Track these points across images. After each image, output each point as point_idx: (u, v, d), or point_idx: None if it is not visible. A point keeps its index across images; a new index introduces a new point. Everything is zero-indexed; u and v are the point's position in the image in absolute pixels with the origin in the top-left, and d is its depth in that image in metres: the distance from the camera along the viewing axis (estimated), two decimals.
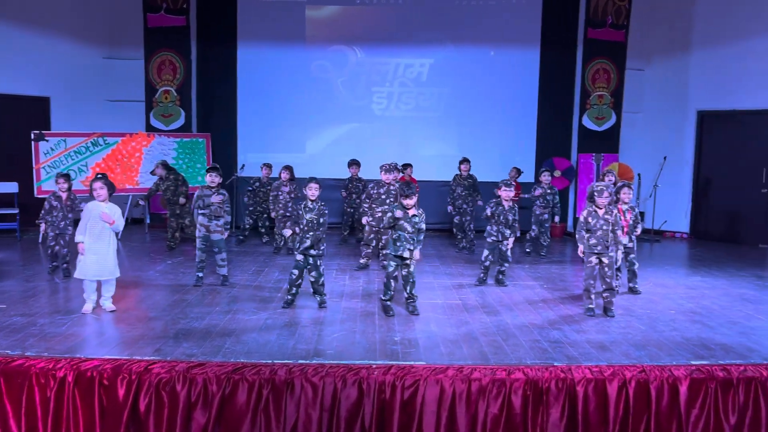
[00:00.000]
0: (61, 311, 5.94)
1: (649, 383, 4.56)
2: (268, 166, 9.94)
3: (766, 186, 10.74)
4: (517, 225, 7.46)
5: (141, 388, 4.42)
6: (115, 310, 6.00)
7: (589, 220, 6.21)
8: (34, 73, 11.01)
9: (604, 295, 6.24)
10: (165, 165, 9.64)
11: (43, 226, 7.20)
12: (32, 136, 9.93)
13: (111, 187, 6.07)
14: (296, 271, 6.25)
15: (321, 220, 6.25)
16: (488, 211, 7.37)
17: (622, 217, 6.60)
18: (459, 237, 9.84)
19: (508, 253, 7.47)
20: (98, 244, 5.92)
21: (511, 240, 7.43)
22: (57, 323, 5.56)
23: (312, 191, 6.31)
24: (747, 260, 9.48)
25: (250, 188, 10.03)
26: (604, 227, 6.16)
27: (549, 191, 9.54)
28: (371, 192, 8.26)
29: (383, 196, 8.12)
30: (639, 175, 11.36)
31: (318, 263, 6.32)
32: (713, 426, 4.59)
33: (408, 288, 6.21)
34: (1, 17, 10.62)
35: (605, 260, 6.19)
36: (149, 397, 4.41)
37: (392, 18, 11.86)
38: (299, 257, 6.24)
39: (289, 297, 6.30)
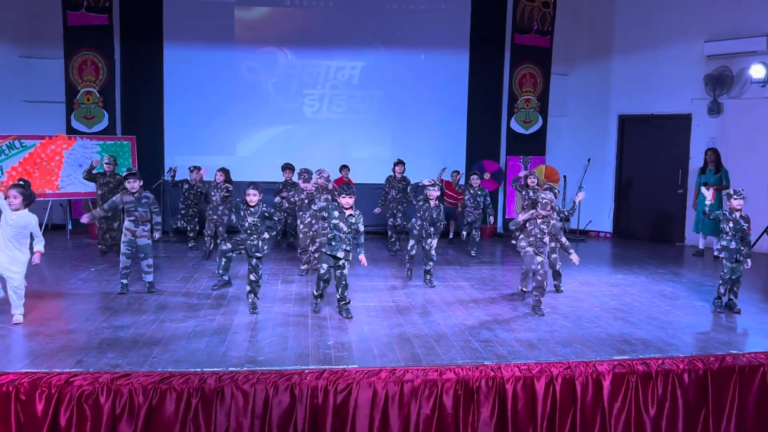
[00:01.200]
0: None
1: (574, 379, 4.71)
2: (198, 168, 9.72)
3: (682, 187, 11.28)
4: (441, 224, 7.72)
5: (61, 402, 4.23)
6: (20, 323, 5.66)
7: (527, 225, 6.50)
8: None
9: (534, 293, 6.42)
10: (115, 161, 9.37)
11: None
12: None
13: (29, 197, 5.77)
14: (229, 245, 6.41)
15: (270, 223, 6.46)
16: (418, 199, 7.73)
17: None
18: (393, 239, 9.91)
19: (432, 252, 7.61)
20: (6, 248, 5.64)
21: (435, 239, 7.67)
22: None
23: (251, 197, 6.27)
24: (665, 258, 9.94)
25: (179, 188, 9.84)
26: (538, 235, 6.45)
27: (480, 193, 9.76)
28: (293, 199, 8.29)
29: (306, 201, 8.13)
30: (565, 176, 11.74)
31: (259, 266, 6.31)
32: (634, 418, 4.79)
33: (340, 290, 6.21)
34: None
35: (537, 259, 6.39)
36: (70, 411, 4.23)
37: (323, 20, 11.82)
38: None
39: (219, 271, 6.75)
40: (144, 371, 4.50)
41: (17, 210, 5.67)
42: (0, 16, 10.95)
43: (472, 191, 9.79)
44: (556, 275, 7.36)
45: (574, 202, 7.41)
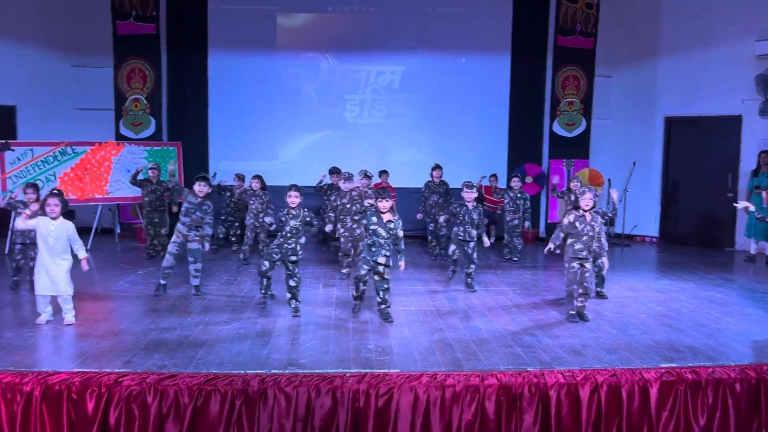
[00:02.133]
0: (27, 324, 5.81)
1: (620, 386, 4.62)
2: (241, 177, 9.92)
3: (732, 190, 10.96)
4: (483, 224, 7.68)
5: (111, 401, 4.34)
6: (72, 324, 5.82)
7: (576, 224, 6.23)
8: (0, 82, 10.80)
9: (580, 300, 6.29)
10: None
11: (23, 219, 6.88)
12: None
13: (65, 205, 5.93)
14: (267, 263, 6.37)
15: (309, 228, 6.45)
16: (441, 219, 7.81)
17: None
18: (433, 244, 9.88)
19: (474, 255, 7.55)
20: (50, 259, 5.78)
21: (480, 237, 7.59)
22: (24, 336, 5.45)
23: (292, 199, 6.30)
24: (714, 263, 9.66)
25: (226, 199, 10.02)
26: (590, 233, 6.21)
27: (519, 196, 9.66)
28: (335, 204, 8.31)
29: (348, 206, 8.15)
30: (609, 180, 11.52)
31: (296, 270, 6.34)
32: (683, 427, 4.66)
33: (381, 294, 6.21)
34: None
35: (587, 266, 6.25)
36: (119, 410, 4.34)
37: (364, 26, 11.90)
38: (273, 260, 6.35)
39: (262, 291, 6.57)
40: (189, 372, 4.58)
41: (56, 218, 5.82)
42: (54, 28, 11.35)
43: (512, 194, 9.69)
44: (600, 281, 7.22)
45: (613, 203, 7.06)
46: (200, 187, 7.00)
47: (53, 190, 6.43)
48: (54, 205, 5.79)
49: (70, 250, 5.90)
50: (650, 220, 12.00)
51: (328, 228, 8.48)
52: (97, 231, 10.70)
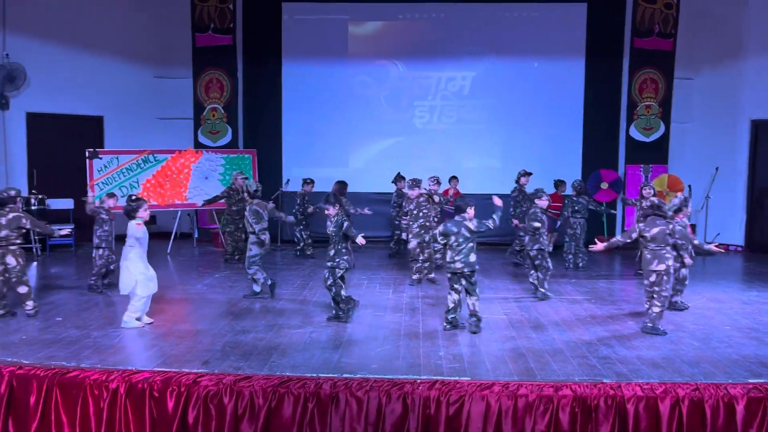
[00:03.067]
0: (113, 324, 6.10)
1: (703, 402, 4.42)
2: (310, 182, 10.17)
3: None
4: (554, 234, 7.53)
5: (189, 401, 4.50)
6: (147, 324, 6.06)
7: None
8: (89, 94, 11.42)
9: (657, 308, 6.08)
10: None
11: (90, 196, 7.17)
12: (86, 154, 10.28)
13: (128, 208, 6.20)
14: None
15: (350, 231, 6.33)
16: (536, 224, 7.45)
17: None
18: (517, 249, 9.61)
19: (548, 263, 7.40)
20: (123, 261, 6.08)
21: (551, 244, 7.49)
22: (110, 336, 5.72)
23: (330, 210, 6.32)
24: None
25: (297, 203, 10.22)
26: (669, 240, 6.05)
27: (585, 203, 9.40)
28: (405, 209, 8.34)
29: (415, 212, 8.15)
30: (690, 186, 11.07)
31: (335, 274, 6.32)
32: None
33: (471, 304, 6.02)
34: (59, 42, 11.05)
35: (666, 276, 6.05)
36: (197, 410, 4.49)
37: (434, 32, 11.91)
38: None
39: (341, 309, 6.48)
40: (264, 374, 4.69)
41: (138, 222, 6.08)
42: (137, 42, 11.92)
43: (576, 202, 9.40)
44: (681, 287, 6.91)
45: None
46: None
47: (131, 195, 6.70)
48: (147, 210, 6.12)
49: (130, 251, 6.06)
50: (735, 229, 11.44)
51: (405, 236, 8.49)
52: (176, 235, 11.12)
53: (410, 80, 12.04)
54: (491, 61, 11.87)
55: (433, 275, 8.27)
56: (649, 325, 6.01)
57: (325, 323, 6.22)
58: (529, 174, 9.75)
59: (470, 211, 6.02)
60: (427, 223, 8.12)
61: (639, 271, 8.88)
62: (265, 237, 7.14)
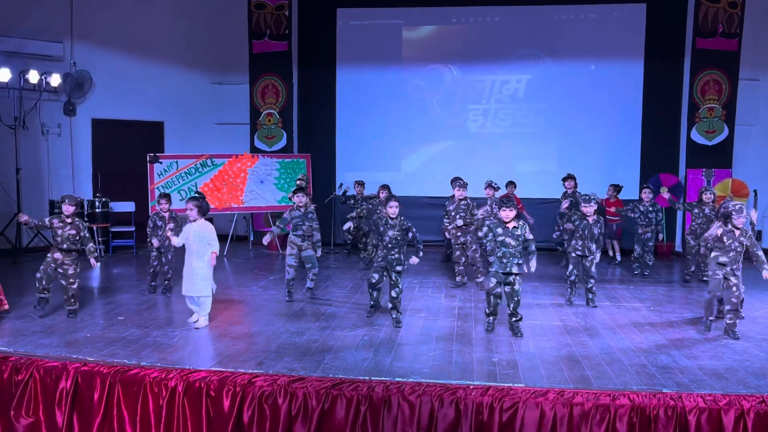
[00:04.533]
0: (172, 324, 6.27)
1: None
2: (361, 183, 10.19)
3: None
4: (602, 239, 7.38)
5: (245, 400, 4.58)
6: (201, 327, 6.15)
7: (724, 240, 5.96)
8: (150, 100, 11.82)
9: (729, 316, 5.93)
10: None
11: (155, 242, 7.58)
12: (148, 158, 10.61)
13: (204, 208, 6.30)
14: (376, 275, 6.40)
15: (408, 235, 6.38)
16: (569, 226, 7.42)
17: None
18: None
19: (593, 269, 7.24)
20: (192, 262, 6.17)
21: (598, 254, 7.27)
22: (168, 335, 5.88)
23: (392, 209, 6.35)
24: None
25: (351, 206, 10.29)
26: (738, 249, 5.95)
27: (651, 209, 9.11)
28: (448, 208, 8.30)
29: (453, 213, 8.13)
30: (755, 191, 10.62)
31: (399, 280, 6.38)
32: None
33: (512, 306, 6.06)
34: (122, 50, 11.49)
35: (732, 279, 5.88)
36: (252, 410, 4.57)
37: (488, 35, 11.82)
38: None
39: (371, 302, 6.54)
40: (317, 376, 4.74)
41: (195, 221, 6.21)
42: (196, 49, 12.25)
43: (642, 207, 9.15)
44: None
45: (752, 224, 6.56)
46: (299, 199, 7.38)
47: (194, 193, 6.84)
48: (190, 209, 6.21)
49: (209, 253, 6.22)
50: None
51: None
52: (232, 238, 11.36)
53: (464, 84, 11.98)
54: (547, 64, 11.70)
55: (481, 279, 8.21)
56: (711, 319, 6.02)
57: (378, 326, 6.23)
58: (573, 178, 9.60)
59: (503, 214, 6.08)
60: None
61: (687, 277, 8.67)
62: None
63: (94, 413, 4.78)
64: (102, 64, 11.30)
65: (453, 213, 8.21)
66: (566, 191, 9.58)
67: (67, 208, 6.41)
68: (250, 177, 11.19)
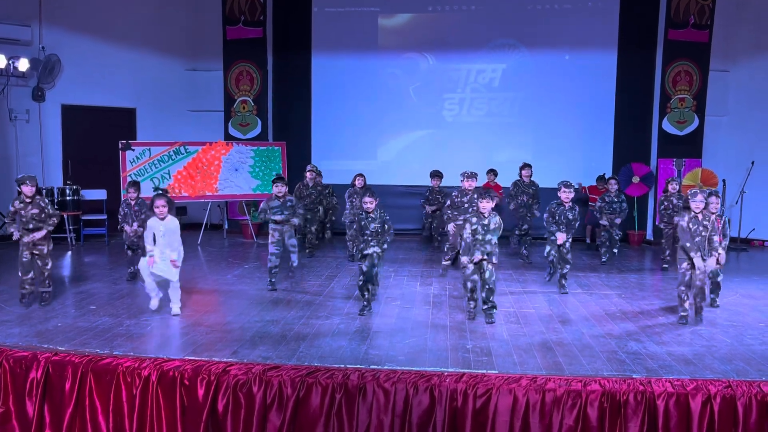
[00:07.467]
0: (145, 313, 6.21)
1: (735, 399, 4.34)
2: (313, 170, 9.94)
3: None
4: (577, 224, 7.53)
5: (219, 389, 4.56)
6: (178, 315, 6.13)
7: (690, 226, 6.07)
8: (122, 86, 11.62)
9: (697, 299, 6.08)
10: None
11: (128, 228, 7.49)
12: (120, 145, 10.45)
13: (171, 204, 6.25)
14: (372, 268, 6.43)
15: (385, 227, 6.39)
16: (546, 215, 7.54)
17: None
18: (524, 246, 9.54)
19: (569, 255, 7.36)
20: (165, 250, 6.12)
21: (569, 238, 7.41)
22: (141, 324, 5.83)
23: (368, 205, 6.36)
24: None
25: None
26: (703, 233, 6.04)
27: (616, 200, 9.24)
28: (455, 200, 8.24)
29: (465, 205, 8.06)
30: (724, 181, 10.85)
31: (377, 272, 6.47)
32: None
33: (484, 294, 6.14)
34: (93, 35, 11.26)
35: (698, 263, 6.02)
36: (227, 398, 4.55)
37: (464, 24, 11.83)
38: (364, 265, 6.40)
39: (365, 302, 6.46)
40: (292, 364, 4.74)
41: (164, 218, 6.14)
42: (169, 35, 12.07)
43: (608, 198, 9.26)
44: (715, 287, 6.77)
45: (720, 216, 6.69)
46: (278, 188, 7.44)
47: (160, 190, 6.78)
48: (161, 206, 6.13)
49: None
50: None
51: (451, 228, 8.36)
52: (206, 227, 11.26)
53: (440, 72, 11.99)
54: (522, 54, 11.76)
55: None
56: (684, 314, 6.17)
57: (353, 315, 6.25)
58: (530, 166, 9.53)
59: (481, 205, 6.17)
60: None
61: (665, 266, 8.82)
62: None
63: (65, 403, 4.73)
64: (72, 49, 11.07)
65: (466, 205, 8.03)
66: (522, 179, 9.50)
67: (29, 189, 6.31)
68: (224, 165, 11.09)
